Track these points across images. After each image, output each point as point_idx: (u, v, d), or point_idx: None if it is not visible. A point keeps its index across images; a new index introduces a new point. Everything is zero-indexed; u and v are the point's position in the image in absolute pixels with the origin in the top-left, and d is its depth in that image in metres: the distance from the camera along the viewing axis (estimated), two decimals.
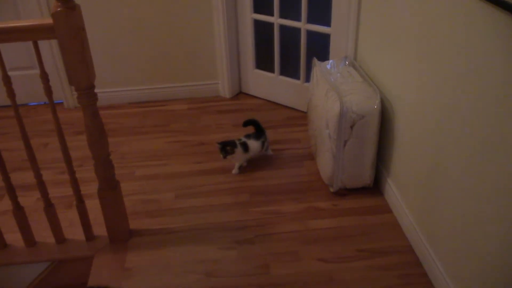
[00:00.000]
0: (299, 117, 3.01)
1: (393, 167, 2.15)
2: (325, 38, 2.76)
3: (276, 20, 2.92)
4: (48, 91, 1.72)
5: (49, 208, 1.93)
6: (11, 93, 1.70)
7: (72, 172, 1.88)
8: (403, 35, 1.93)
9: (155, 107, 3.25)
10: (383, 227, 2.08)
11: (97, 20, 3.01)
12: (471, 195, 1.48)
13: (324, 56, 2.80)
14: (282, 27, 2.94)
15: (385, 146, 2.22)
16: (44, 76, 1.70)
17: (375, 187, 2.32)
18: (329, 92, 2.17)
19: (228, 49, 3.12)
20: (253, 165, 2.55)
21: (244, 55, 3.20)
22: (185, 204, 2.28)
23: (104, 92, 3.20)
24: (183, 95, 3.33)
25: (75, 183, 1.90)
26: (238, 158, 2.45)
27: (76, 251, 2.01)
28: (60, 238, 2.02)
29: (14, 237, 2.02)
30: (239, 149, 2.42)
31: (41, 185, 1.89)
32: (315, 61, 2.51)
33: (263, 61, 3.16)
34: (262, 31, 3.05)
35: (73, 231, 2.06)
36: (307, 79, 2.93)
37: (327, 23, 2.70)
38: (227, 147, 2.39)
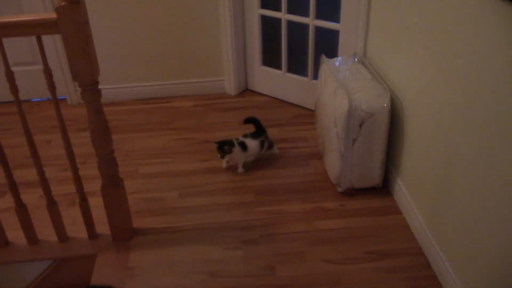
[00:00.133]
0: (307, 115, 2.97)
1: (403, 167, 2.11)
2: (334, 34, 2.71)
3: (283, 15, 2.88)
4: (52, 87, 1.70)
5: (52, 205, 1.92)
6: (14, 89, 1.69)
7: (75, 169, 1.87)
8: (414, 32, 1.89)
9: (160, 104, 3.22)
10: (392, 228, 2.04)
11: (102, 15, 2.98)
12: (482, 195, 1.44)
13: (332, 53, 2.76)
14: (290, 23, 2.90)
15: (395, 145, 2.18)
16: (48, 72, 1.68)
17: (384, 187, 2.28)
18: (338, 90, 2.13)
19: (234, 45, 3.08)
20: (259, 164, 2.51)
21: (251, 51, 3.16)
22: (190, 203, 2.25)
23: (108, 88, 3.17)
24: (189, 92, 3.30)
25: (78, 180, 1.89)
26: (237, 157, 2.42)
27: (78, 250, 1.99)
28: (62, 236, 2.00)
29: (16, 235, 2.00)
30: (237, 149, 2.38)
31: (44, 182, 1.88)
32: (324, 58, 2.47)
33: (270, 58, 3.12)
34: (269, 27, 3.01)
35: (76, 229, 2.05)
36: (315, 76, 2.89)
37: (336, 19, 2.66)
38: (224, 147, 2.35)
